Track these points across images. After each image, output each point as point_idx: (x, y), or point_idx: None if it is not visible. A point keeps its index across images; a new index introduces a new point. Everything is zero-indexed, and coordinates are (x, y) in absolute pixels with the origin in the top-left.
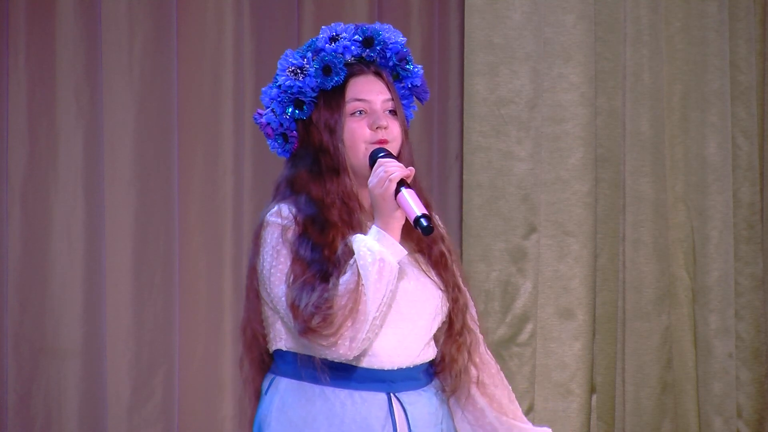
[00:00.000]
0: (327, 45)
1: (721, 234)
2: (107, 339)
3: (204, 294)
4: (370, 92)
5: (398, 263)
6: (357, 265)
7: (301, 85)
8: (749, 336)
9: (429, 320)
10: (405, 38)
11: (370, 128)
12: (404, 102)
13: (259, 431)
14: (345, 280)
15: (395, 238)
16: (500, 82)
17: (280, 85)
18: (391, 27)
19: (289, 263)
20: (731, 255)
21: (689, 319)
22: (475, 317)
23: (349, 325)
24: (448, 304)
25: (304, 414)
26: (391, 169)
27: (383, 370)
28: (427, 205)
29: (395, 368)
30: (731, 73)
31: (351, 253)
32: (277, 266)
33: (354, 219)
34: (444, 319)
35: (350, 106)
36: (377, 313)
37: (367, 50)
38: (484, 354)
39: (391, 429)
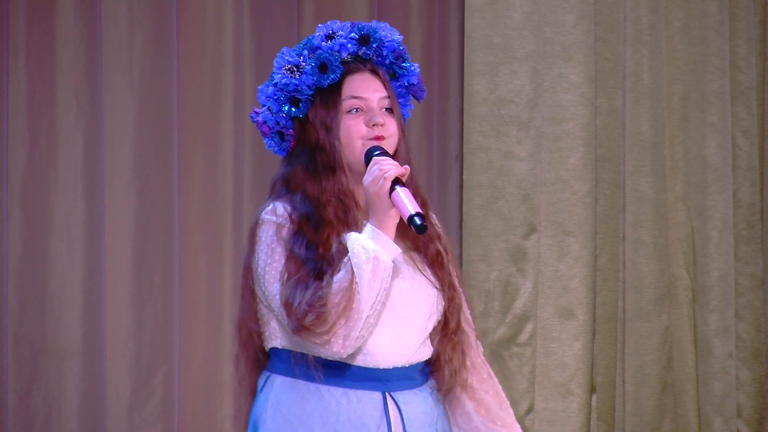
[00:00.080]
0: (323, 43)
1: (721, 234)
2: (107, 339)
3: (204, 294)
4: (367, 90)
5: (393, 262)
6: (351, 263)
7: (297, 82)
8: (749, 336)
9: (424, 319)
10: (401, 36)
11: (367, 125)
12: (401, 100)
13: (254, 429)
14: (339, 278)
15: (390, 236)
16: (500, 82)
17: (276, 83)
18: (388, 25)
19: (283, 261)
20: (731, 255)
21: (689, 319)
22: (470, 320)
23: (342, 323)
24: (443, 303)
25: (299, 412)
26: (386, 168)
27: (378, 369)
28: (423, 204)
29: (390, 367)
30: (731, 73)
31: (346, 251)
32: (271, 264)
33: (350, 217)
34: (439, 318)
35: (346, 104)
36: (371, 312)
37: (364, 48)
38: (476, 358)
39: (386, 428)
